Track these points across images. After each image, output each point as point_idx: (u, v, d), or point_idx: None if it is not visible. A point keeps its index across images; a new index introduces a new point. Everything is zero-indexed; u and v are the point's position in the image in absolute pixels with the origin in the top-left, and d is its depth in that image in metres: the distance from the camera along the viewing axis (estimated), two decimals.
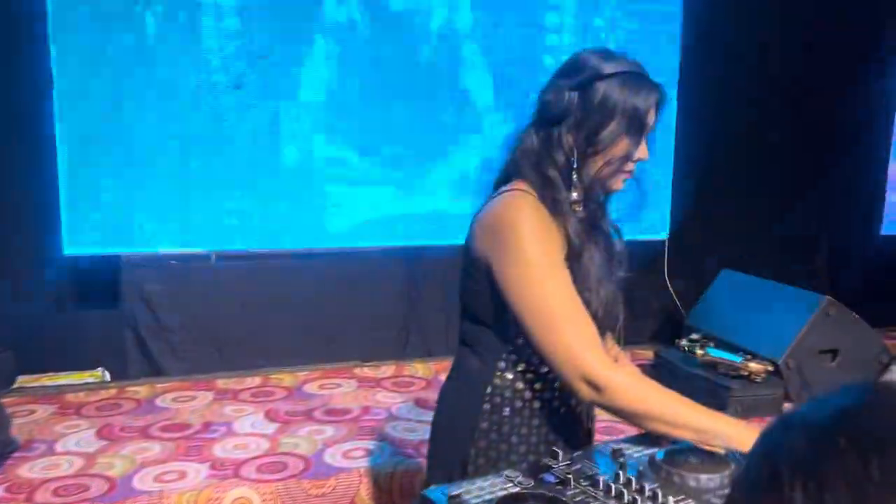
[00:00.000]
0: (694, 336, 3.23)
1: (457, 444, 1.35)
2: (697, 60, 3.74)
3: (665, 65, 3.68)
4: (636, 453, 1.19)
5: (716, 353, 3.02)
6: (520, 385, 1.33)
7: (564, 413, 1.37)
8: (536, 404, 1.34)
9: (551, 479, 1.09)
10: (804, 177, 3.96)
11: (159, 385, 3.11)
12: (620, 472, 1.08)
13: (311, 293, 3.39)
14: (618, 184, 1.36)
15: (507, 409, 1.33)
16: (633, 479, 1.06)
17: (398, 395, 3.04)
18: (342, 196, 3.40)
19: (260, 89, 3.23)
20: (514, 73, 3.49)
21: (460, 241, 1.39)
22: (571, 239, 1.29)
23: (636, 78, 1.30)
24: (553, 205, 1.29)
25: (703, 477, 1.08)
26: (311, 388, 3.13)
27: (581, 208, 1.34)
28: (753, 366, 2.90)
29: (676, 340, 3.27)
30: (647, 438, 1.24)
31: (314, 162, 3.36)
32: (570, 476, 1.08)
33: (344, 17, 3.29)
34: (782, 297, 3.23)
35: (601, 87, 1.28)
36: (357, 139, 3.39)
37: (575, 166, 1.32)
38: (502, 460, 1.31)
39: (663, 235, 3.84)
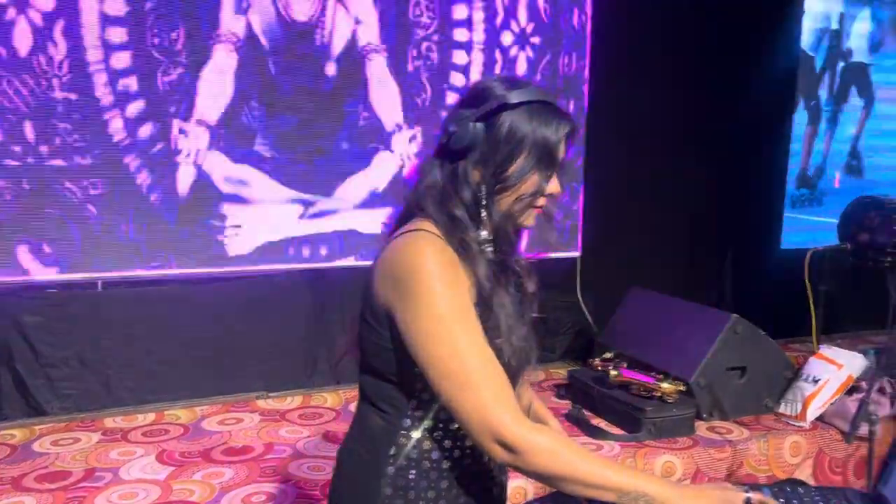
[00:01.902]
0: (607, 355, 3.21)
1: None
2: (606, 78, 3.75)
3: (574, 83, 3.68)
4: None
5: (628, 374, 3.00)
6: (427, 445, 1.22)
7: (476, 472, 1.26)
8: (445, 465, 1.23)
9: None
10: (710, 195, 4.04)
11: (38, 427, 2.83)
12: None
13: (208, 320, 3.17)
14: (529, 220, 1.27)
15: (413, 472, 1.21)
16: None
17: (305, 430, 2.87)
18: (240, 216, 3.21)
19: (151, 104, 3.01)
20: (422, 89, 3.40)
21: (368, 261, 1.27)
22: (481, 283, 1.18)
23: (545, 108, 1.22)
24: (461, 246, 1.18)
25: None
26: (209, 423, 2.92)
27: (490, 248, 1.24)
28: (666, 386, 2.89)
29: (589, 360, 3.25)
30: (562, 499, 1.15)
31: (211, 181, 3.15)
32: None
33: (242, 30, 3.11)
34: (691, 315, 3.25)
35: (508, 119, 1.19)
36: (257, 157, 3.20)
37: (483, 203, 1.22)
38: None
39: (576, 253, 3.83)
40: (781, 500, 1.27)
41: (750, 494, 1.13)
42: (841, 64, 4.60)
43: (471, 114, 1.21)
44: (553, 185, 1.25)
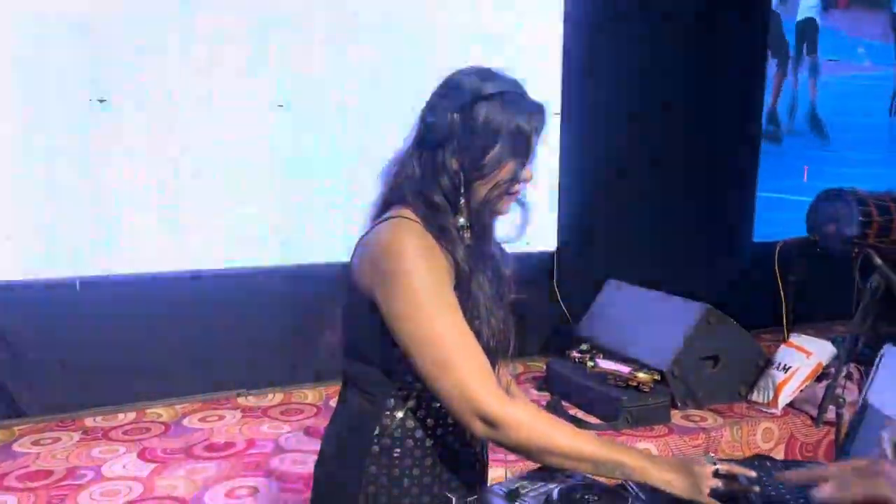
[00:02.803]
0: (584, 346, 3.28)
1: (344, 491, 1.25)
2: (580, 76, 3.81)
3: (548, 80, 3.73)
4: (532, 493, 1.14)
5: (605, 365, 3.06)
6: (410, 423, 1.25)
7: (458, 449, 1.29)
8: (429, 443, 1.26)
9: None
10: (684, 189, 4.11)
11: (18, 428, 2.82)
12: None
13: (188, 318, 3.16)
14: (505, 206, 1.31)
15: (398, 451, 1.24)
16: None
17: (286, 425, 2.89)
18: (220, 214, 3.21)
19: (126, 100, 3.01)
20: (396, 83, 3.42)
21: (346, 257, 1.30)
22: (460, 266, 1.22)
23: (518, 98, 1.26)
24: (440, 232, 1.22)
25: None
26: (190, 421, 2.93)
27: (468, 234, 1.28)
28: (641, 376, 2.95)
29: (567, 351, 3.30)
30: (543, 473, 1.19)
31: (187, 179, 3.15)
32: None
33: (214, 23, 3.11)
34: (665, 306, 3.32)
35: (483, 109, 1.23)
36: (234, 153, 3.21)
37: (462, 191, 1.26)
38: None
39: (551, 248, 3.88)
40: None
41: (719, 465, 1.18)
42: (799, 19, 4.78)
43: (447, 105, 1.25)
44: (527, 172, 1.29)
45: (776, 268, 3.56)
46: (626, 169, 3.92)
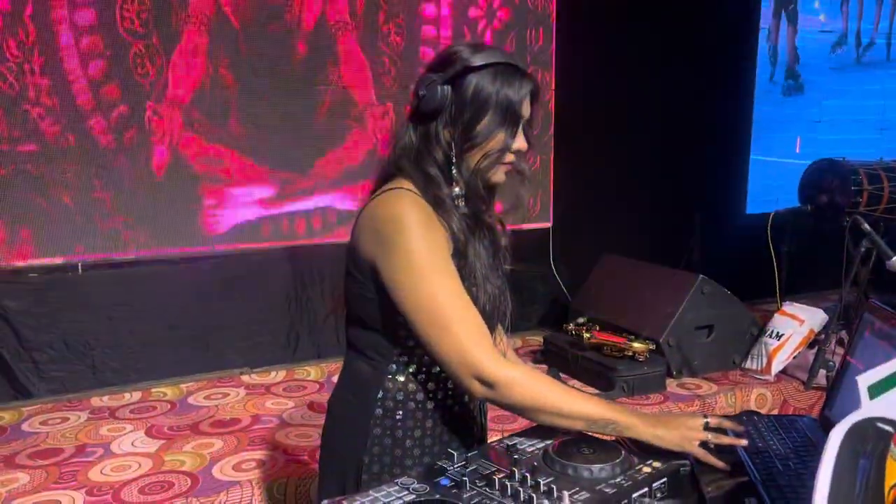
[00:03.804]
0: (580, 320, 3.33)
1: (349, 452, 1.30)
2: (573, 52, 3.83)
3: (541, 58, 3.75)
4: (530, 448, 1.19)
5: (601, 336, 3.11)
6: (412, 387, 1.30)
7: (458, 411, 1.35)
8: (430, 405, 1.31)
9: (446, 482, 1.06)
10: (677, 163, 4.15)
11: (26, 408, 2.87)
12: (515, 470, 1.06)
13: (190, 299, 3.22)
14: (498, 176, 1.34)
15: (400, 413, 1.29)
16: (528, 476, 1.05)
17: (289, 401, 2.95)
18: (219, 196, 3.25)
19: (124, 86, 3.03)
20: (392, 64, 3.45)
21: (345, 237, 1.34)
22: (456, 235, 1.26)
23: (508, 69, 1.28)
24: (436, 202, 1.26)
25: (596, 467, 1.08)
26: (196, 399, 2.98)
27: (464, 203, 1.32)
28: (637, 345, 3.01)
29: (564, 325, 3.35)
30: (540, 431, 1.24)
31: (187, 162, 3.18)
32: (465, 479, 1.05)
33: (211, 8, 3.13)
34: (660, 278, 3.37)
35: (473, 80, 1.26)
36: (232, 137, 3.24)
37: (454, 161, 1.30)
38: (396, 465, 1.28)
39: (548, 224, 3.92)
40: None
41: (709, 419, 1.23)
42: None
43: (438, 77, 1.28)
44: (520, 142, 1.32)
45: (769, 239, 3.61)
46: (619, 143, 3.95)
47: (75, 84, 2.97)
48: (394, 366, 1.30)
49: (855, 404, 0.96)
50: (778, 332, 3.17)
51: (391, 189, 1.27)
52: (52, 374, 3.02)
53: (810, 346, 3.18)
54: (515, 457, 1.14)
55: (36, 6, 2.85)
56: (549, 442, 1.19)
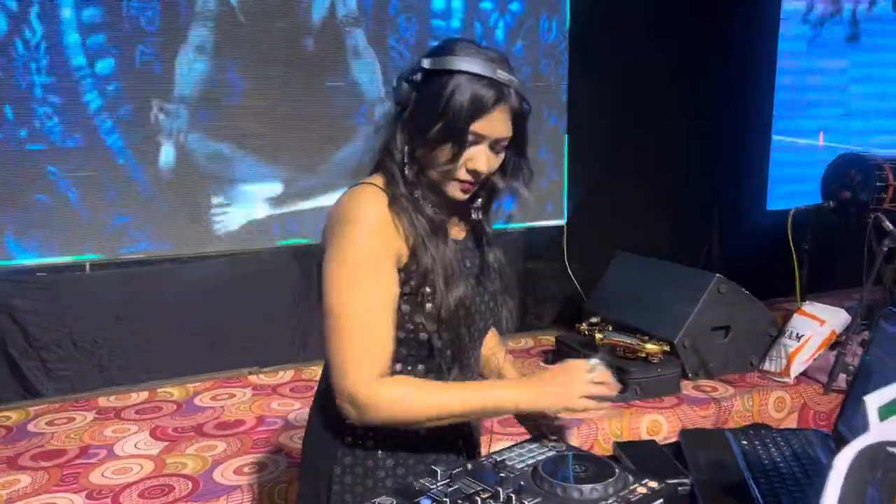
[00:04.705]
0: (593, 320, 3.25)
1: (323, 461, 1.26)
2: (587, 46, 3.74)
3: (554, 51, 3.67)
4: (520, 463, 1.13)
5: (614, 337, 3.03)
6: None
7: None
8: None
9: (427, 503, 1.01)
10: (694, 159, 4.05)
11: (33, 408, 2.87)
12: (500, 490, 1.01)
13: (197, 299, 3.19)
14: (454, 192, 1.23)
15: None
16: (514, 497, 0.99)
17: (296, 402, 2.91)
18: (225, 194, 3.22)
19: (130, 84, 3.01)
20: (402, 60, 3.40)
21: None
22: (411, 238, 1.19)
23: (479, 81, 1.14)
24: (392, 199, 1.20)
25: (587, 487, 1.02)
26: (202, 399, 2.96)
27: (431, 207, 1.23)
28: (650, 347, 2.92)
29: (577, 325, 3.28)
30: (534, 442, 1.19)
31: (195, 160, 3.16)
32: (446, 499, 1.00)
33: (218, 4, 3.10)
34: (675, 277, 3.28)
35: (434, 85, 1.16)
36: (240, 134, 3.21)
37: (406, 162, 1.22)
38: (369, 477, 1.23)
39: (561, 221, 3.85)
40: (744, 442, 1.30)
41: (594, 360, 1.23)
42: None
43: (407, 74, 1.20)
44: (477, 161, 1.18)
45: (790, 236, 3.50)
46: (635, 139, 3.87)
47: (82, 82, 2.95)
48: None
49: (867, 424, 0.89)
50: (798, 334, 3.07)
51: (360, 183, 1.23)
52: (60, 373, 3.01)
53: (831, 347, 3.08)
54: (502, 475, 1.08)
55: (42, 4, 2.83)
56: (540, 457, 1.13)
